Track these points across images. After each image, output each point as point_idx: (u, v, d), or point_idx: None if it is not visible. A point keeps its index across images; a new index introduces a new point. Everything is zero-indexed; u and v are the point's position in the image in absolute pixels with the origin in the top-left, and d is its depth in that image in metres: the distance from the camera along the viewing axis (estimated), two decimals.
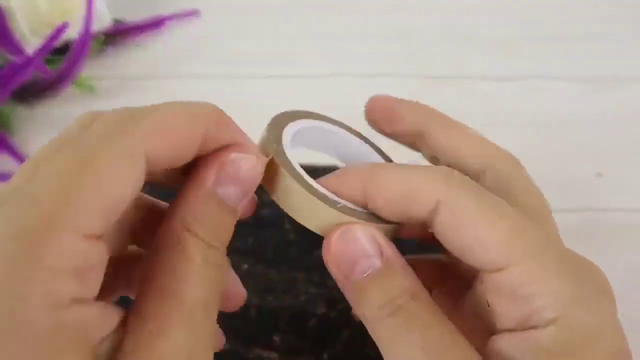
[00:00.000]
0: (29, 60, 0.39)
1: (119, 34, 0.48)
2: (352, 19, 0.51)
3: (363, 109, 0.27)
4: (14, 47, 0.41)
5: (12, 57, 0.40)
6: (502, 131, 0.41)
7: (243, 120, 0.45)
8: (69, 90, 0.43)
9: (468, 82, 0.45)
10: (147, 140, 0.16)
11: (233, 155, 0.18)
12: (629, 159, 0.39)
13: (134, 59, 0.47)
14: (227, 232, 0.18)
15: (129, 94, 0.44)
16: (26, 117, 0.42)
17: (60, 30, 0.41)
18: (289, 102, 0.44)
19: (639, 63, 0.47)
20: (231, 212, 0.18)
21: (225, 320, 0.20)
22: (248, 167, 0.18)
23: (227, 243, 0.18)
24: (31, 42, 0.42)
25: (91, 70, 0.45)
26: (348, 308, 0.23)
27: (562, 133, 0.41)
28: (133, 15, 0.49)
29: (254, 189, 0.19)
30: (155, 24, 0.49)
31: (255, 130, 0.41)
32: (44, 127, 0.42)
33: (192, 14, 0.51)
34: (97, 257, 0.15)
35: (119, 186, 0.15)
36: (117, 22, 0.48)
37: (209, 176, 0.18)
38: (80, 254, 0.14)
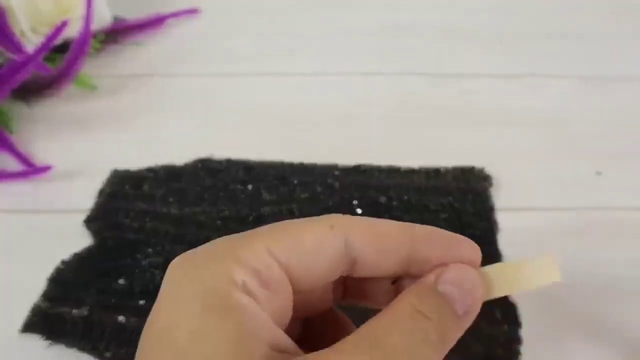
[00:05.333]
0: (29, 59, 0.39)
1: (118, 32, 0.48)
2: (352, 17, 0.51)
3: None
4: (14, 45, 0.41)
5: (12, 56, 0.40)
6: (501, 129, 0.41)
7: (243, 119, 0.45)
8: (69, 89, 0.43)
9: (468, 80, 0.45)
10: (350, 231, 0.18)
11: (458, 267, 0.19)
12: (628, 157, 0.39)
13: (133, 57, 0.47)
14: (451, 326, 0.18)
15: (128, 92, 0.44)
16: (26, 116, 0.42)
17: (60, 28, 0.41)
18: (288, 101, 0.44)
19: (638, 62, 0.47)
20: (455, 313, 0.18)
21: None
22: (469, 284, 0.18)
23: (445, 346, 0.17)
24: (31, 40, 0.42)
25: (91, 68, 0.45)
26: None
27: (562, 131, 0.41)
28: (133, 13, 0.49)
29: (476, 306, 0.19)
30: (155, 22, 0.49)
31: (253, 128, 0.41)
32: (44, 125, 0.42)
33: (192, 12, 0.51)
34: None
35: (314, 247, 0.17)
36: (117, 20, 0.48)
37: (429, 276, 0.18)
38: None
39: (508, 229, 0.34)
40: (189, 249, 0.35)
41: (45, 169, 0.37)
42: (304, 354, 0.16)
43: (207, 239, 0.35)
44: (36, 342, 0.30)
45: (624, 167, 0.38)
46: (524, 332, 0.29)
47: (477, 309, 0.18)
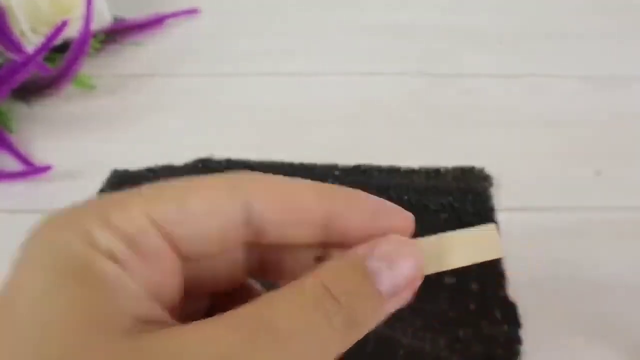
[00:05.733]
0: (29, 59, 0.39)
1: (118, 32, 0.48)
2: (352, 17, 0.51)
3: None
4: (14, 45, 0.41)
5: (12, 56, 0.40)
6: (501, 129, 0.41)
7: (243, 119, 0.45)
8: (68, 89, 0.43)
9: (468, 80, 0.45)
10: (252, 193, 0.15)
11: (393, 240, 0.16)
12: (628, 157, 0.39)
13: (133, 57, 0.47)
14: (365, 310, 0.15)
15: (128, 92, 0.44)
16: (26, 115, 0.42)
17: (60, 28, 0.41)
18: (288, 101, 0.44)
19: (638, 62, 0.47)
20: (376, 294, 0.15)
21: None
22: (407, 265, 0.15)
23: (354, 333, 0.15)
24: (31, 40, 0.42)
25: (91, 68, 0.45)
26: None
27: (561, 131, 0.41)
28: (133, 13, 0.49)
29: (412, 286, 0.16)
30: (155, 22, 0.49)
31: (253, 128, 0.41)
32: (43, 125, 0.42)
33: (192, 12, 0.51)
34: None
35: (208, 205, 0.15)
36: (117, 20, 0.48)
37: (360, 249, 0.16)
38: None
39: (508, 229, 0.34)
40: None
41: (45, 169, 0.37)
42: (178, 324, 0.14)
43: None
44: None
45: (624, 167, 0.38)
46: (524, 332, 0.29)
47: (409, 289, 0.16)
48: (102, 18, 0.46)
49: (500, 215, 0.35)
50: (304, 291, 0.14)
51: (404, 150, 0.39)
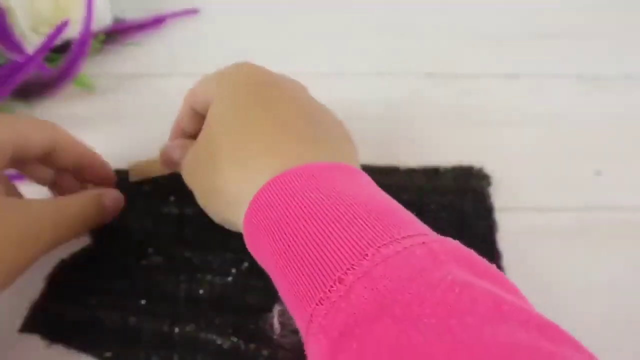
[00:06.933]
0: (29, 59, 0.39)
1: (118, 33, 0.48)
2: (352, 17, 0.51)
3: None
4: (14, 45, 0.41)
5: (12, 56, 0.40)
6: (501, 129, 0.41)
7: None
8: (68, 89, 0.43)
9: (468, 80, 0.45)
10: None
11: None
12: (628, 157, 0.39)
13: (134, 57, 0.47)
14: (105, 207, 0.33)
15: (128, 92, 0.44)
16: (26, 115, 0.42)
17: (60, 28, 0.41)
18: None
19: (638, 62, 0.47)
20: (102, 204, 0.33)
21: None
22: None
23: (107, 212, 0.33)
24: (31, 40, 0.42)
25: (91, 68, 0.45)
26: None
27: (562, 131, 0.41)
28: (133, 13, 0.49)
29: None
30: (155, 23, 0.49)
31: None
32: None
33: (192, 12, 0.51)
34: None
35: None
36: (117, 20, 0.48)
37: (100, 190, 0.34)
38: None
39: (508, 229, 0.35)
40: (189, 249, 0.35)
41: None
42: None
43: (207, 239, 0.35)
44: (36, 342, 0.30)
45: (624, 167, 0.39)
46: None
47: (117, 206, 0.33)
48: (103, 18, 0.46)
49: (499, 215, 0.35)
50: (87, 193, 0.32)
51: (403, 150, 0.39)
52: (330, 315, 0.19)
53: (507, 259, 0.33)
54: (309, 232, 0.21)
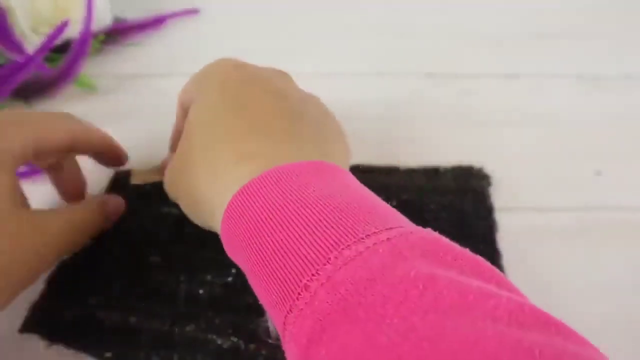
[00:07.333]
0: (29, 59, 0.39)
1: (119, 33, 0.48)
2: (352, 17, 0.51)
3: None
4: (14, 45, 0.41)
5: (12, 56, 0.40)
6: (501, 129, 0.41)
7: None
8: (69, 89, 0.43)
9: (467, 80, 0.45)
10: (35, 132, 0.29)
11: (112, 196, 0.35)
12: (628, 157, 0.39)
13: (134, 57, 0.47)
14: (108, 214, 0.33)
15: (128, 92, 0.44)
16: None
17: (60, 28, 0.41)
18: None
19: (638, 62, 0.47)
20: (105, 212, 0.33)
21: None
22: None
23: (109, 218, 0.34)
24: (31, 40, 0.42)
25: (91, 68, 0.45)
26: None
27: (562, 131, 0.41)
28: (133, 13, 0.49)
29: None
30: (155, 23, 0.49)
31: None
32: None
33: (192, 12, 0.51)
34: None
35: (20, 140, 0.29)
36: (117, 20, 0.48)
37: (103, 197, 0.34)
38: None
39: (508, 229, 0.34)
40: (189, 249, 0.35)
41: None
42: None
43: (207, 239, 0.34)
44: (36, 342, 0.30)
45: (624, 167, 0.38)
46: None
47: (117, 211, 0.34)
48: (103, 18, 0.46)
49: (499, 215, 0.35)
50: (92, 203, 0.33)
51: (403, 150, 0.39)
52: (298, 322, 0.19)
53: (507, 259, 0.33)
54: (277, 240, 0.21)
